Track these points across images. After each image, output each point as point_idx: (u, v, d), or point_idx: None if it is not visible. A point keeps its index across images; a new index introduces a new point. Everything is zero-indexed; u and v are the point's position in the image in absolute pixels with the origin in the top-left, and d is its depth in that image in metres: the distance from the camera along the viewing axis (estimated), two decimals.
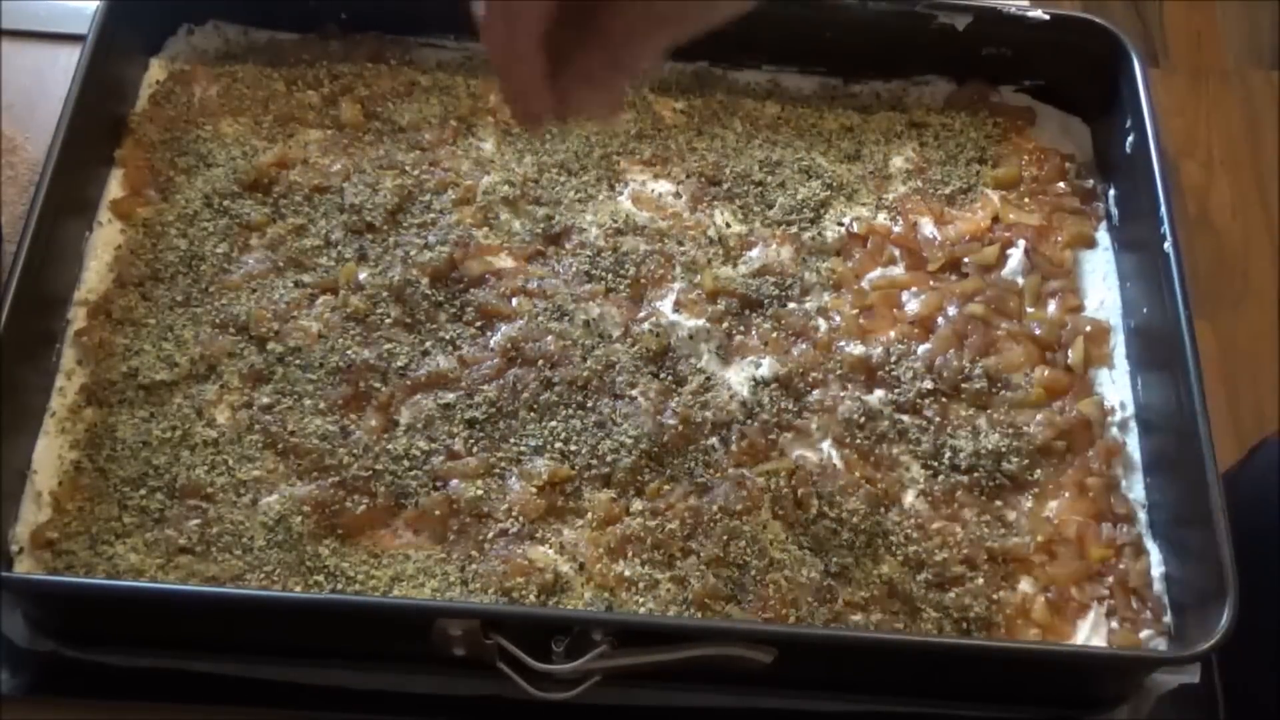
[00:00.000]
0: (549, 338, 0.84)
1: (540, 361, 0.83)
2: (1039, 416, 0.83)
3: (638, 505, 0.78)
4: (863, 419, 0.82)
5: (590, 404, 0.82)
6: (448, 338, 0.84)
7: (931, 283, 0.89)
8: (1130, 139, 0.90)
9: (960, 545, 0.78)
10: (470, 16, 0.60)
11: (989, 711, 0.77)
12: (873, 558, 0.77)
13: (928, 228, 0.91)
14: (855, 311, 0.87)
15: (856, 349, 0.85)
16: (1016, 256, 0.90)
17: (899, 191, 0.93)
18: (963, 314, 0.87)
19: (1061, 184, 0.94)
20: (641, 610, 0.74)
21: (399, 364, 0.83)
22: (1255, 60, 1.11)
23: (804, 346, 0.85)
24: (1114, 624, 0.77)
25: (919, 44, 0.96)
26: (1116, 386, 0.86)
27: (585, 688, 0.71)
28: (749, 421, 0.82)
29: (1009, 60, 0.97)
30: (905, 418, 0.83)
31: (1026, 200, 0.93)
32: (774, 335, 0.86)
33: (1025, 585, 0.78)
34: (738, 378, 0.84)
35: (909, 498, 0.80)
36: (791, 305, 0.87)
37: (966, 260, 0.89)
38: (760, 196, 0.92)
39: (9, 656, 0.75)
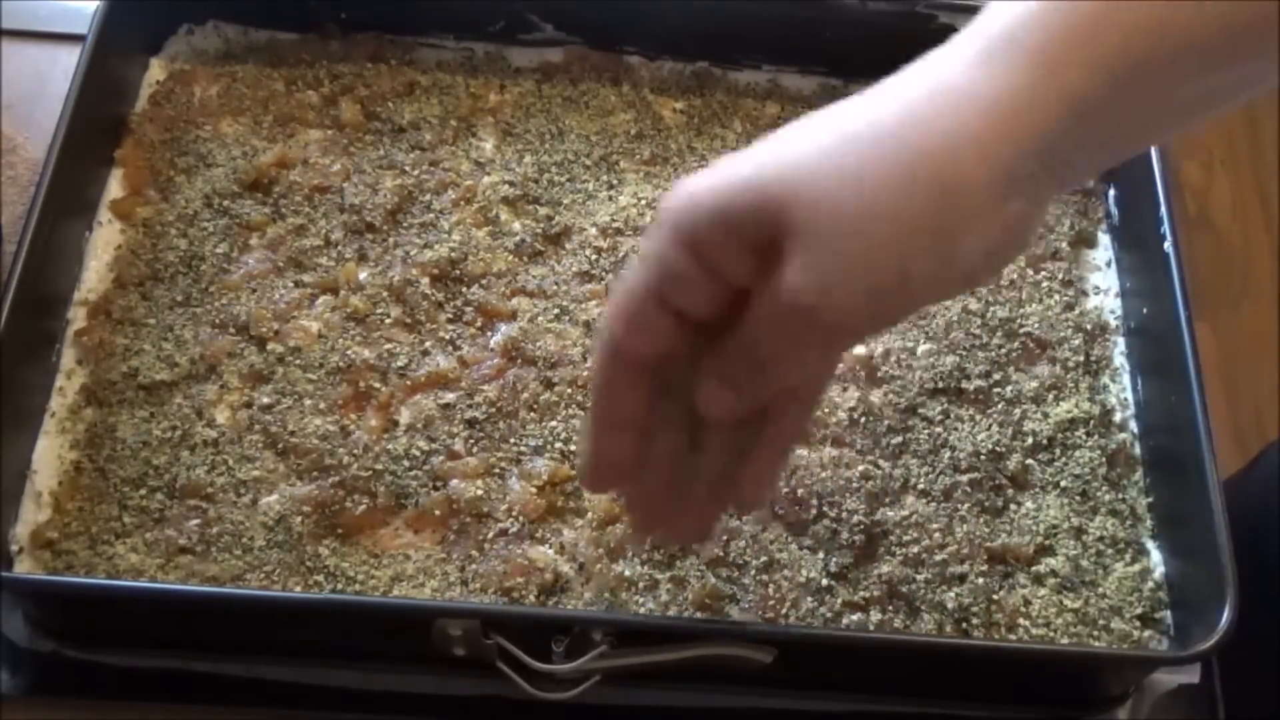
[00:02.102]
0: (549, 338, 0.84)
1: (540, 361, 0.83)
2: (1039, 416, 0.83)
3: None
4: (863, 418, 0.82)
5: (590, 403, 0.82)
6: (448, 338, 0.84)
7: None
8: None
9: (960, 545, 0.78)
10: None
11: (989, 711, 0.77)
12: (873, 558, 0.77)
13: None
14: None
15: (857, 348, 0.85)
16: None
17: None
18: (963, 313, 0.87)
19: None
20: (641, 610, 0.75)
21: (399, 364, 0.83)
22: None
23: None
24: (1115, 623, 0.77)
25: (919, 44, 0.96)
26: (1116, 386, 0.86)
27: (585, 688, 0.71)
28: None
29: None
30: (905, 417, 0.83)
31: None
32: None
33: (1025, 585, 0.78)
34: None
35: (909, 498, 0.80)
36: None
37: None
38: None
39: (9, 656, 0.75)
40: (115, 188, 0.89)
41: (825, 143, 0.51)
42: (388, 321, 0.84)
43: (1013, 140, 0.50)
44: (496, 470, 0.79)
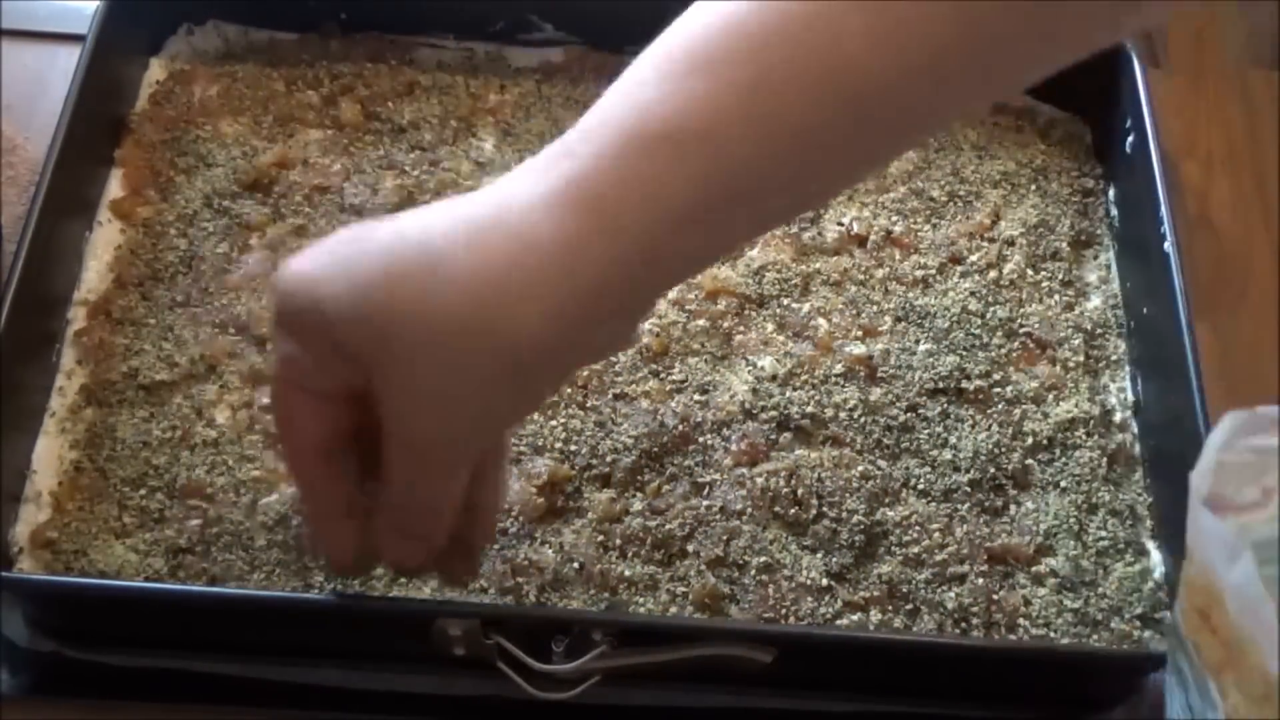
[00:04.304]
0: None
1: None
2: (1039, 416, 0.83)
3: (638, 505, 0.78)
4: (863, 418, 0.82)
5: (590, 404, 0.82)
6: None
7: (931, 282, 0.89)
8: (1130, 139, 0.90)
9: (960, 545, 0.78)
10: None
11: (989, 711, 0.77)
12: (873, 558, 0.77)
13: (927, 227, 0.91)
14: (855, 310, 0.87)
15: (857, 348, 0.85)
16: (1016, 256, 0.90)
17: (899, 191, 0.93)
18: (962, 313, 0.87)
19: (1061, 183, 0.94)
20: (641, 610, 0.75)
21: None
22: (1255, 60, 1.11)
23: (804, 346, 0.85)
24: (1115, 623, 0.77)
25: None
26: (1116, 386, 0.86)
27: (585, 687, 0.71)
28: (749, 421, 0.82)
29: None
30: (905, 417, 0.83)
31: (1026, 199, 0.93)
32: (774, 334, 0.86)
33: (1025, 585, 0.78)
34: (738, 377, 0.84)
35: (909, 498, 0.80)
36: (792, 305, 0.87)
37: (966, 259, 0.89)
38: None
39: (9, 656, 0.75)
40: (115, 188, 0.89)
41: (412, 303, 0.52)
42: None
43: (580, 294, 0.52)
44: None
